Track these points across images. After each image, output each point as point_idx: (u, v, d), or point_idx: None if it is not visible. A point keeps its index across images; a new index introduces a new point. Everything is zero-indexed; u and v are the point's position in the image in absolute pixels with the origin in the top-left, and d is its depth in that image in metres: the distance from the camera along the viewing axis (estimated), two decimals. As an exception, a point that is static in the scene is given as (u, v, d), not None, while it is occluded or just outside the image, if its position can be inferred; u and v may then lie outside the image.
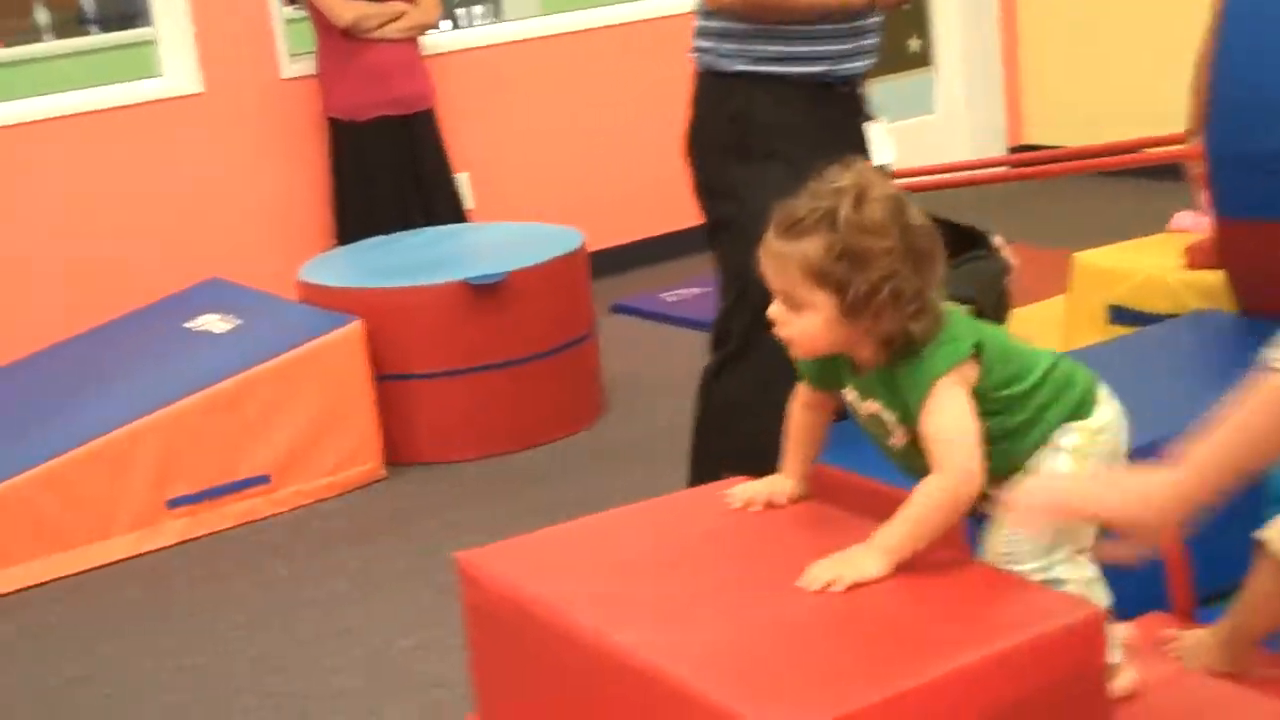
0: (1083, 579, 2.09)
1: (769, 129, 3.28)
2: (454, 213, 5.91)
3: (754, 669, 1.85)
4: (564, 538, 2.32)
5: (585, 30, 6.64)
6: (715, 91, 3.36)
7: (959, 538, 2.23)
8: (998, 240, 4.96)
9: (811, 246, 2.03)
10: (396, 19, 5.73)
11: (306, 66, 5.90)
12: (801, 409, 2.31)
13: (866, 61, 3.40)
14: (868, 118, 3.57)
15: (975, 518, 2.16)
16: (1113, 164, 6.22)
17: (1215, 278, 4.44)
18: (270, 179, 5.91)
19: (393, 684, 3.48)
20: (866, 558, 2.00)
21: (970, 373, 2.07)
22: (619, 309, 6.09)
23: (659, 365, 5.50)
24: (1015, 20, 7.81)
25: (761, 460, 2.95)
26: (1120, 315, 4.65)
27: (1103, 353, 3.75)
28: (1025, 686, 1.84)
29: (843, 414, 2.27)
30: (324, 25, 5.72)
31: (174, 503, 4.35)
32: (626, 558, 2.19)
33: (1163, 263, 4.65)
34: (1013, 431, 2.11)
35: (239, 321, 4.81)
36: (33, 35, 5.80)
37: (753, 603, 1.99)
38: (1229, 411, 1.88)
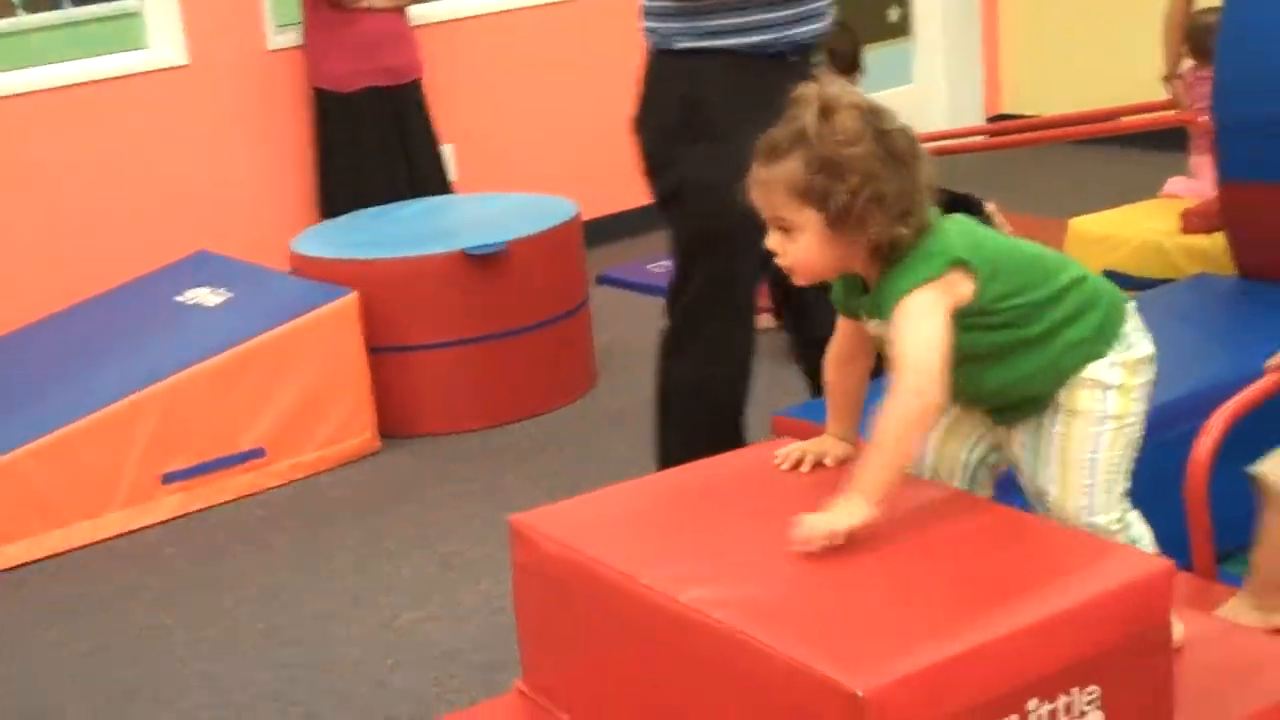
0: (1144, 526, 2.13)
1: (720, 106, 3.25)
2: (441, 184, 5.88)
3: (826, 626, 1.85)
4: (615, 500, 2.31)
5: (562, 2, 6.60)
6: (665, 70, 3.34)
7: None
8: (990, 207, 4.98)
9: (790, 165, 2.05)
10: (385, -11, 5.69)
11: (293, 38, 5.84)
12: (833, 368, 2.31)
13: (817, 26, 3.33)
14: None
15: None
16: (1090, 132, 6.24)
17: (1210, 242, 4.46)
18: (256, 151, 5.86)
19: (405, 655, 3.45)
20: (850, 506, 2.00)
21: (958, 285, 2.06)
22: (605, 280, 6.07)
23: (647, 335, 5.44)
24: (994, -10, 7.82)
25: (707, 441, 2.96)
26: (1115, 280, 4.65)
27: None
28: (1098, 640, 1.84)
29: (879, 370, 2.25)
30: (311, -5, 5.67)
31: (169, 478, 4.31)
32: (680, 518, 2.20)
33: (1158, 227, 4.67)
34: (1028, 343, 2.11)
35: (230, 294, 4.76)
36: (6, 10, 5.71)
37: (814, 560, 1.98)
38: None
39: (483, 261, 4.66)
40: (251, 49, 5.82)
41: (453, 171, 6.10)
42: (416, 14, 5.94)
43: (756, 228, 2.16)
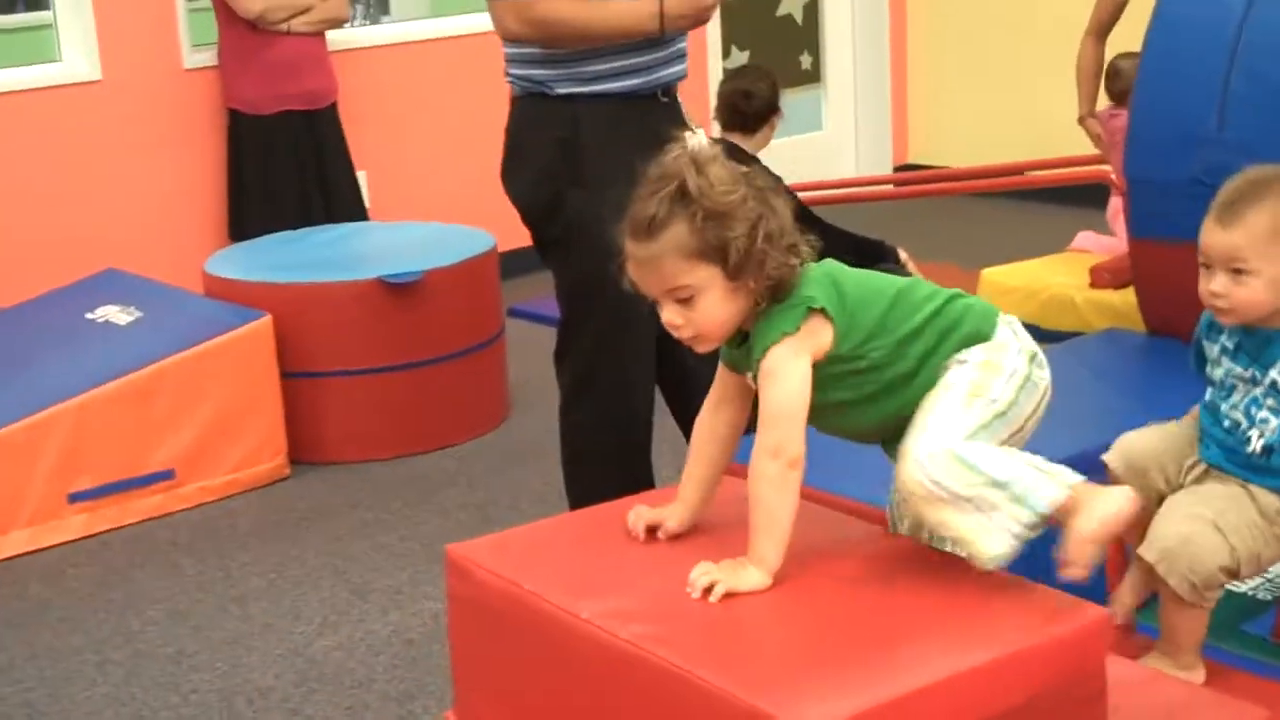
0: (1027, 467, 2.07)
1: (600, 148, 3.28)
2: (356, 210, 5.86)
3: (764, 664, 1.87)
4: (550, 533, 2.32)
5: (481, 33, 6.61)
6: (538, 114, 3.36)
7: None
8: (904, 255, 5.05)
9: (675, 231, 2.04)
10: (305, 12, 5.67)
11: (209, 57, 5.81)
12: (705, 412, 2.26)
13: (681, 67, 3.43)
14: (686, 127, 3.60)
15: None
16: (996, 185, 6.38)
17: (1119, 298, 4.56)
18: (168, 170, 5.81)
19: (317, 684, 3.43)
20: (746, 572, 2.03)
21: (818, 333, 2.08)
22: (516, 313, 6.07)
23: (559, 370, 5.49)
24: (905, 42, 7.95)
25: (617, 483, 2.96)
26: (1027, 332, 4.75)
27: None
28: (1031, 688, 1.87)
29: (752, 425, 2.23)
30: (228, 16, 5.63)
31: (75, 497, 4.25)
32: (613, 554, 2.20)
33: (1068, 281, 4.77)
34: (897, 381, 2.12)
35: (140, 313, 4.71)
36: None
37: (753, 599, 2.00)
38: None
39: (399, 290, 4.66)
40: (166, 67, 5.77)
41: (366, 199, 6.08)
42: (332, 39, 5.93)
43: None
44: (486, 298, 4.94)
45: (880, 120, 8.00)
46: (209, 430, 4.45)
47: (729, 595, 2.00)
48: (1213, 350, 2.62)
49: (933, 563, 2.11)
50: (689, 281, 2.05)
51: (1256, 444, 2.49)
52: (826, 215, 5.00)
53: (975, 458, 2.03)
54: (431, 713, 3.28)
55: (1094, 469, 3.05)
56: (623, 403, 3.48)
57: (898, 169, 7.95)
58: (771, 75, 5.17)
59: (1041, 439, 2.68)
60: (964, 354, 2.12)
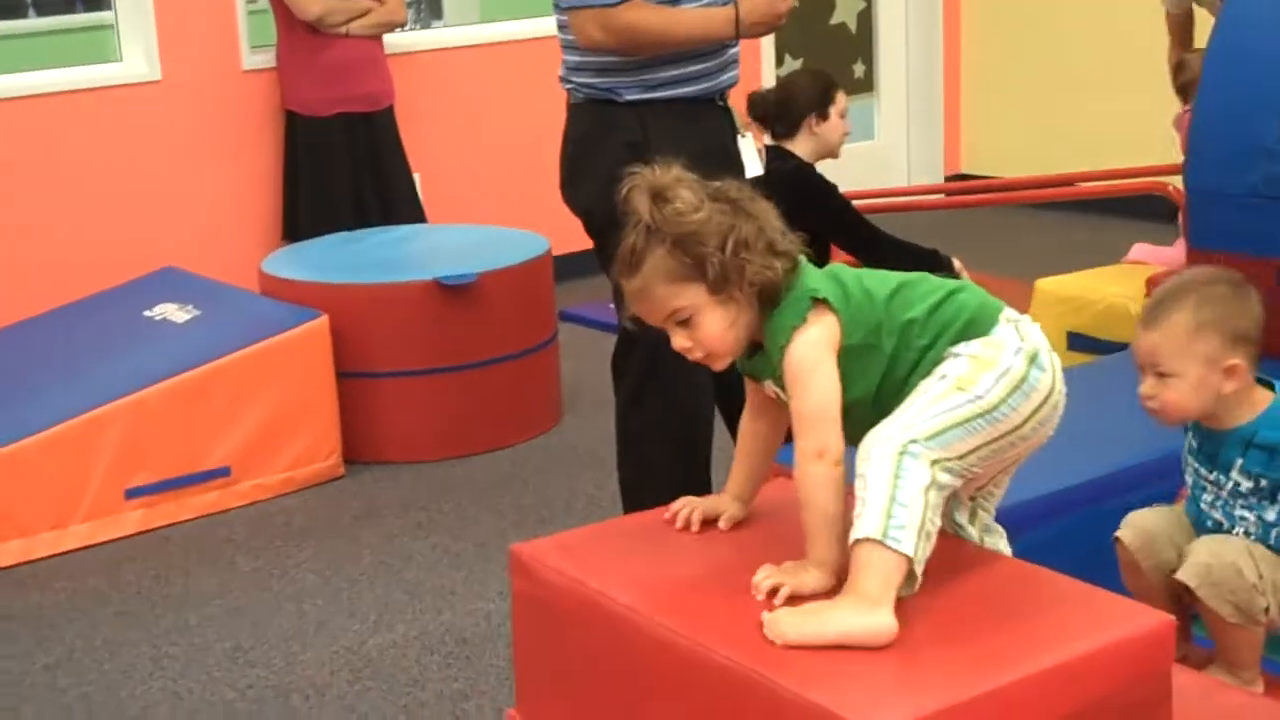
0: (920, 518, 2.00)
1: (668, 151, 3.28)
2: (413, 213, 5.89)
3: (832, 666, 1.87)
4: (614, 533, 2.32)
5: (533, 39, 6.65)
6: (606, 121, 3.42)
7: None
8: (957, 264, 5.05)
9: (653, 260, 2.08)
10: (363, 15, 5.70)
11: (268, 59, 5.85)
12: (744, 422, 2.30)
13: (735, 73, 3.54)
14: (737, 131, 3.68)
15: None
16: (1048, 196, 6.36)
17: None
18: (226, 170, 5.86)
19: (371, 681, 3.45)
20: (809, 574, 2.03)
21: (826, 322, 2.08)
22: (567, 317, 6.09)
23: (610, 374, 5.50)
24: (958, 51, 7.94)
25: (674, 485, 2.96)
26: (1079, 342, 4.74)
27: (1068, 378, 3.83)
28: (1097, 692, 1.87)
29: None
30: (287, 19, 5.68)
31: (132, 493, 4.29)
32: (678, 555, 2.20)
33: (1123, 292, 4.75)
34: (901, 378, 2.10)
35: (198, 312, 4.76)
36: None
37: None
38: None
39: (454, 292, 4.68)
40: (225, 68, 5.82)
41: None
42: (388, 42, 5.96)
43: None
44: (541, 301, 4.96)
45: (933, 129, 8.00)
46: (265, 428, 4.48)
47: (794, 598, 2.01)
48: (1184, 452, 2.62)
49: (995, 566, 2.11)
50: (680, 304, 2.09)
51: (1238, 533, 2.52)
52: (879, 224, 5.02)
53: (906, 472, 1.99)
54: (485, 712, 3.30)
55: (1135, 484, 3.05)
56: (683, 405, 3.51)
57: (949, 178, 7.94)
58: (812, 77, 5.06)
59: (1090, 451, 2.68)
60: (959, 347, 2.09)
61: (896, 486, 1.98)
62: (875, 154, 7.85)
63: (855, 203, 5.22)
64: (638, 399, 3.53)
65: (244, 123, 5.87)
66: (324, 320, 4.57)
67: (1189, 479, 2.60)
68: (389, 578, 3.97)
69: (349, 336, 4.65)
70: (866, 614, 1.91)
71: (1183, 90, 5.02)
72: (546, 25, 6.63)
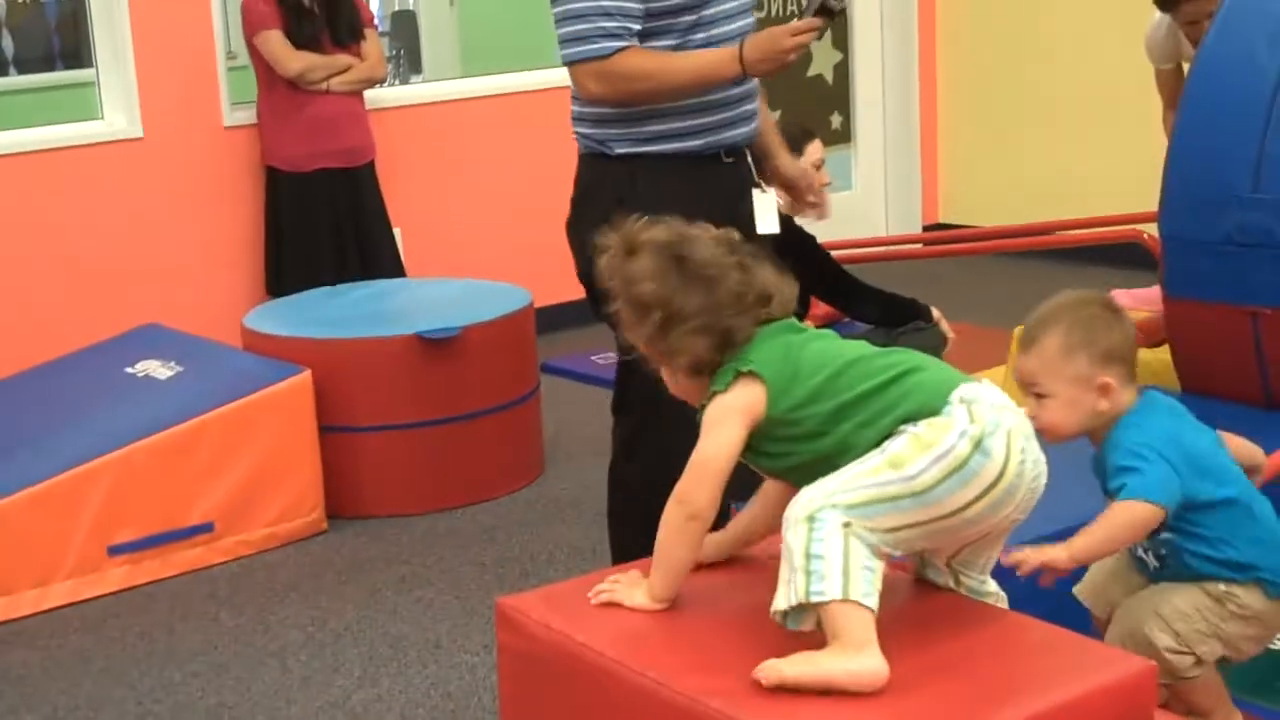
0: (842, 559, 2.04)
1: (655, 208, 3.27)
2: (392, 267, 5.91)
3: (818, 716, 1.89)
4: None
5: (516, 93, 6.70)
6: (598, 173, 3.38)
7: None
8: (936, 313, 5.08)
9: (617, 307, 2.26)
10: (343, 72, 5.74)
11: (249, 115, 5.88)
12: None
13: (747, 129, 3.43)
14: (755, 186, 3.62)
15: None
16: (1026, 244, 6.41)
17: (1154, 355, 4.57)
18: (207, 226, 5.88)
19: (357, 736, 3.46)
20: (637, 590, 2.21)
21: (749, 395, 2.15)
22: (548, 369, 6.11)
23: (592, 426, 5.52)
24: (935, 103, 8.00)
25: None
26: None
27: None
28: (1080, 738, 1.89)
29: None
30: (267, 75, 5.71)
31: (115, 549, 4.29)
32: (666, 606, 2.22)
33: (1101, 340, 4.77)
34: (829, 456, 2.13)
35: (180, 368, 4.76)
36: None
37: (797, 648, 2.02)
38: None
39: (436, 346, 4.70)
40: (206, 125, 5.85)
41: (401, 255, 6.13)
42: (369, 97, 6.00)
43: None
44: (523, 353, 4.98)
45: (910, 180, 8.05)
46: (248, 484, 4.48)
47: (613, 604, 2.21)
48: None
49: (977, 614, 2.13)
50: (636, 345, 2.26)
51: (1151, 560, 2.55)
52: (858, 274, 5.06)
53: (819, 527, 2.03)
54: (471, 766, 3.30)
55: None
56: (676, 457, 3.50)
57: (927, 228, 7.99)
58: (784, 128, 5.08)
59: (1080, 492, 2.70)
60: (907, 426, 2.11)
61: (810, 543, 2.03)
62: (853, 204, 7.90)
63: (834, 253, 5.27)
64: (630, 450, 3.53)
65: (225, 179, 5.90)
66: (306, 375, 4.58)
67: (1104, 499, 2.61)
68: (373, 632, 3.97)
69: (331, 391, 4.66)
70: (852, 658, 1.95)
71: None
72: (526, 80, 6.75)
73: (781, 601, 2.02)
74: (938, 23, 7.93)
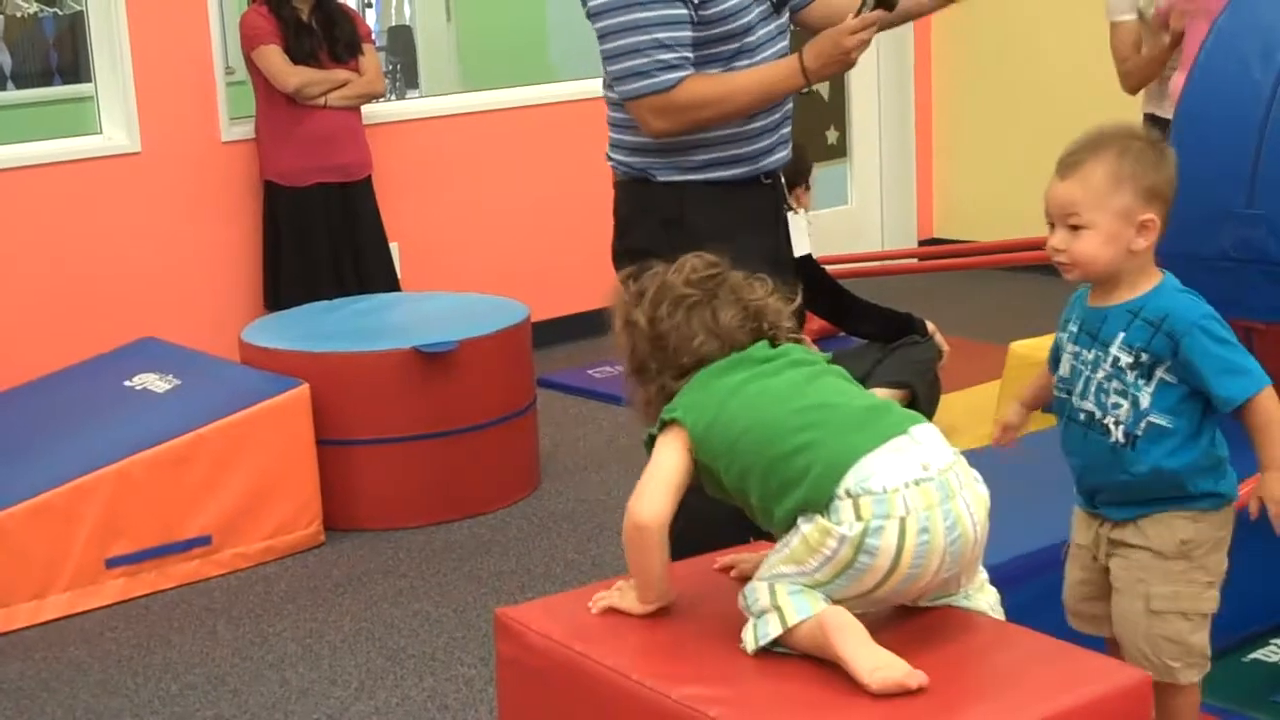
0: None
1: (702, 232, 3.19)
2: (389, 281, 5.93)
3: (817, 725, 1.90)
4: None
5: (513, 108, 6.72)
6: (644, 199, 3.33)
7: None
8: (931, 327, 5.10)
9: None
10: (341, 86, 5.76)
11: (247, 130, 5.89)
12: None
13: (784, 153, 3.45)
14: (788, 208, 3.63)
15: None
16: (1020, 259, 6.42)
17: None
18: (205, 241, 5.89)
19: (355, 748, 3.46)
20: (629, 595, 2.28)
21: (676, 437, 2.24)
22: (544, 383, 6.12)
23: (589, 439, 5.55)
24: (930, 119, 8.03)
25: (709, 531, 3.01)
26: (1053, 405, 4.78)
27: (1038, 441, 3.86)
28: (1077, 748, 1.91)
29: None
30: (266, 90, 5.73)
31: (113, 562, 4.29)
32: (662, 617, 2.23)
33: (1096, 355, 4.79)
34: (751, 507, 2.23)
35: (178, 381, 4.77)
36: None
37: (804, 666, 2.04)
38: None
39: (434, 359, 4.71)
40: (204, 139, 5.86)
41: (397, 269, 6.15)
42: (367, 112, 6.02)
43: None
44: (520, 367, 4.99)
45: (905, 195, 8.08)
46: (245, 497, 4.49)
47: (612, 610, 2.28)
48: (1063, 341, 2.59)
49: (971, 625, 2.14)
50: None
51: (1117, 433, 2.46)
52: (853, 288, 5.08)
53: (750, 592, 2.18)
54: (469, 778, 3.31)
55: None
56: (699, 513, 3.49)
57: (923, 243, 8.02)
58: (803, 149, 5.18)
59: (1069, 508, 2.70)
60: (801, 519, 2.13)
61: (748, 605, 2.17)
62: (849, 219, 7.93)
63: (829, 268, 5.30)
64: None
65: (223, 193, 5.91)
66: (304, 389, 4.60)
67: (1065, 371, 2.56)
68: (370, 645, 3.98)
69: (329, 405, 4.67)
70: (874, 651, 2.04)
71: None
72: (523, 95, 6.77)
73: (749, 646, 2.14)
74: (933, 39, 7.96)
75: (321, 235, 5.79)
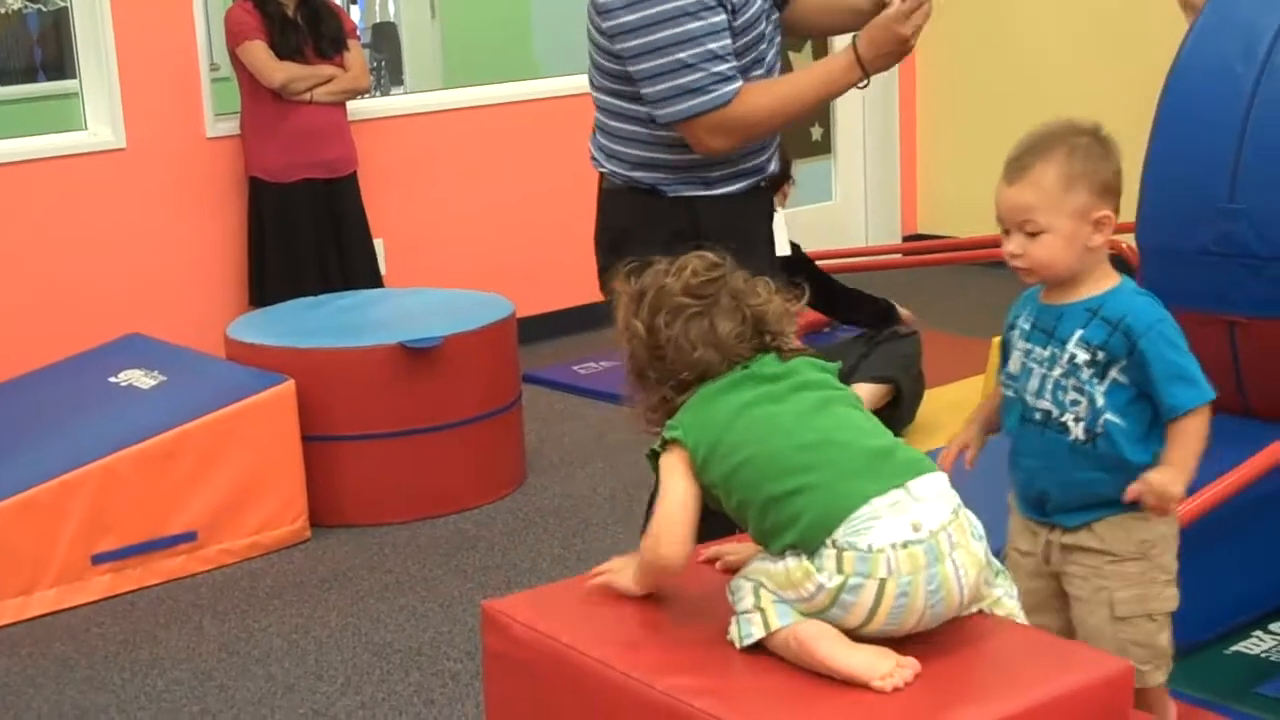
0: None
1: (719, 235, 3.06)
2: (373, 278, 5.93)
3: (804, 714, 1.91)
4: (587, 588, 2.36)
5: (498, 104, 6.72)
6: (649, 211, 3.21)
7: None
8: (904, 312, 5.15)
9: None
10: (327, 82, 5.76)
11: (232, 126, 5.89)
12: None
13: (778, 157, 3.43)
14: (773, 209, 3.62)
15: None
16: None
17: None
18: (190, 237, 5.89)
19: (341, 742, 3.47)
20: (626, 575, 2.30)
21: (679, 457, 2.22)
22: (529, 379, 6.13)
23: (574, 435, 5.56)
24: (914, 114, 8.04)
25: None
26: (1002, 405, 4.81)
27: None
28: (1059, 738, 1.92)
29: None
30: (251, 86, 5.72)
31: (99, 558, 4.30)
32: (648, 609, 2.25)
33: (1079, 350, 4.81)
34: (752, 530, 2.23)
35: (164, 378, 4.77)
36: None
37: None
38: None
39: (419, 355, 4.72)
40: (189, 136, 5.86)
41: (382, 266, 6.15)
42: (352, 109, 6.02)
43: None
44: (505, 363, 5.00)
45: (890, 190, 8.09)
46: (231, 493, 4.50)
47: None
48: (1012, 339, 2.56)
49: (955, 620, 2.15)
50: None
51: (1077, 430, 2.42)
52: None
53: (737, 589, 2.19)
54: (455, 772, 3.32)
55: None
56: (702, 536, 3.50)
57: (907, 238, 8.03)
58: (784, 147, 5.18)
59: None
60: (790, 552, 2.13)
61: (735, 601, 2.17)
62: (833, 215, 7.94)
63: (816, 263, 5.34)
64: None
65: (208, 189, 5.91)
66: (290, 385, 4.60)
67: (1016, 367, 2.52)
68: (356, 640, 3.98)
69: (315, 400, 4.68)
70: (850, 650, 2.06)
71: None
72: (508, 91, 6.77)
73: (736, 641, 2.15)
74: (917, 35, 7.97)
75: (307, 231, 5.79)
